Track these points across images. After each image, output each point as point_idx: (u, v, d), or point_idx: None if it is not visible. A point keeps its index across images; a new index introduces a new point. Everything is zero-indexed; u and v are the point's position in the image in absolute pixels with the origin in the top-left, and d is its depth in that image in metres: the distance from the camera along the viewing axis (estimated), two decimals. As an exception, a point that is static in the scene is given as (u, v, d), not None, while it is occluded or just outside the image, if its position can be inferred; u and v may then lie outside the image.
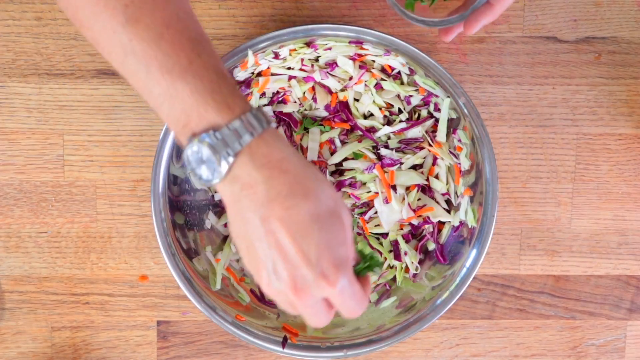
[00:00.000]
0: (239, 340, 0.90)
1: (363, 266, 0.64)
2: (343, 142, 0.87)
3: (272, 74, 0.84)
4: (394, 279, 0.87)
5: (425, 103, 0.85)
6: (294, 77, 0.85)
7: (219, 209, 0.87)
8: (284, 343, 0.82)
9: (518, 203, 0.90)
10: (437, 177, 0.86)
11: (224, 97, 0.58)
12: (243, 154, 0.58)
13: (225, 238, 0.88)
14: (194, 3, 0.86)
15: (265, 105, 0.86)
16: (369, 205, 0.87)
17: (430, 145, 0.85)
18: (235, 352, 0.91)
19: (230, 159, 0.58)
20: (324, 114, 0.86)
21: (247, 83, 0.83)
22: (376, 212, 0.86)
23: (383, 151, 0.86)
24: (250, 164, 0.58)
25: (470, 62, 0.88)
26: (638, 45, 0.88)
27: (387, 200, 0.85)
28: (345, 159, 0.86)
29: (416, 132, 0.85)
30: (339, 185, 0.86)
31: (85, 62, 0.87)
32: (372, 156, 0.86)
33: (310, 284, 0.58)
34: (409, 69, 0.83)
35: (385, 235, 0.87)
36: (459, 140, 0.83)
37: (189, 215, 0.85)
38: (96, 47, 0.61)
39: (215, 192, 0.87)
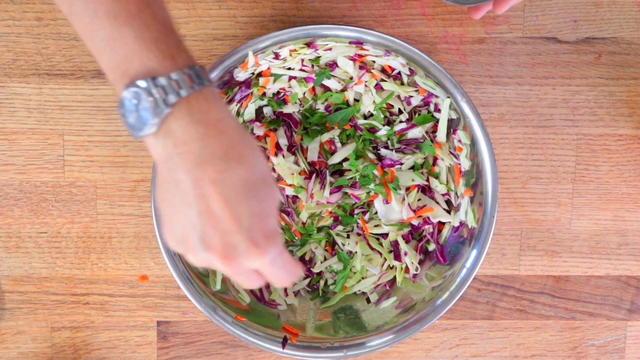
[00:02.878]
0: (239, 341, 0.90)
1: None
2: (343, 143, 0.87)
3: (272, 75, 0.84)
4: (394, 279, 0.87)
5: (426, 103, 0.85)
6: (294, 78, 0.85)
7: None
8: (284, 343, 0.82)
9: (518, 203, 0.90)
10: (437, 177, 0.86)
11: (169, 47, 0.57)
12: (180, 106, 0.56)
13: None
14: (194, 3, 0.86)
15: (266, 105, 0.86)
16: (369, 205, 0.87)
17: (430, 145, 0.85)
18: (235, 352, 0.91)
19: (167, 110, 0.56)
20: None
21: (247, 83, 0.83)
22: (376, 213, 0.86)
23: (383, 151, 0.86)
24: (186, 117, 0.56)
25: (470, 62, 0.88)
26: (638, 45, 0.88)
27: (387, 201, 0.85)
28: (345, 159, 0.86)
29: (416, 132, 0.85)
30: (339, 186, 0.86)
31: (86, 62, 0.87)
32: (372, 156, 0.86)
33: (240, 252, 0.57)
34: (409, 69, 0.83)
35: (385, 235, 0.87)
36: (459, 141, 0.83)
37: (189, 215, 0.85)
38: None
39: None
